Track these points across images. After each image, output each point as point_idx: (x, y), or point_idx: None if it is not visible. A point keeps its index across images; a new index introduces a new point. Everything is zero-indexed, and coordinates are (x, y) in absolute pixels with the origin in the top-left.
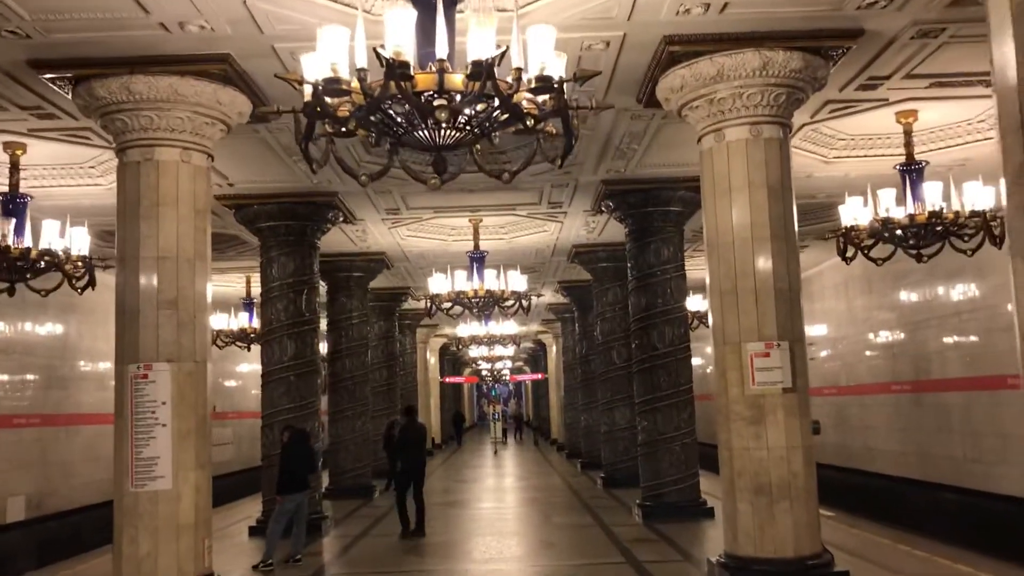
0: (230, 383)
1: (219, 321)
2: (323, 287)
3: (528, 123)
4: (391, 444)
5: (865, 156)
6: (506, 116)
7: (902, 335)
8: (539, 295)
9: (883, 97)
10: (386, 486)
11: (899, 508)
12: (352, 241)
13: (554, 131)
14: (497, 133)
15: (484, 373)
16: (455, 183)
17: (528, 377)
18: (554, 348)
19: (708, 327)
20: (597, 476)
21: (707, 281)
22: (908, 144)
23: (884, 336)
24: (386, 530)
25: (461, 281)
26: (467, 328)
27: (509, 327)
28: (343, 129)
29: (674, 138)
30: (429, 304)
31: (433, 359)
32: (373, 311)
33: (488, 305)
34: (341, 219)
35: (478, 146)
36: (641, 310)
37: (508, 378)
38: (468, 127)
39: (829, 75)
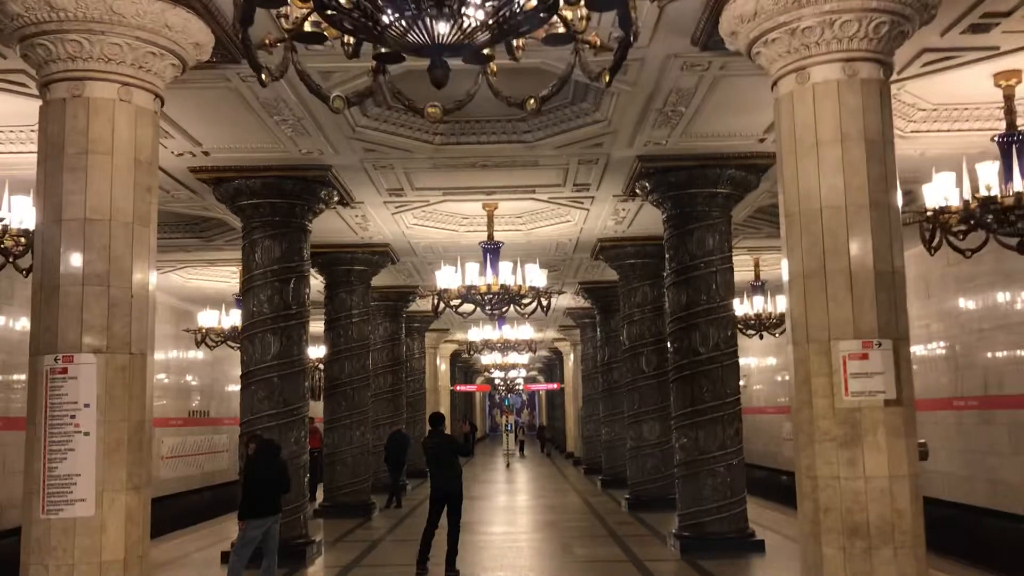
0: (227, 387)
1: (210, 318)
2: (320, 282)
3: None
4: (394, 456)
5: (949, 131)
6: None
7: (967, 345)
8: (560, 292)
9: (994, 45)
10: (387, 503)
11: (964, 539)
12: (352, 229)
13: (598, 41)
14: (521, 45)
15: (497, 382)
16: (466, 157)
17: (543, 387)
18: (571, 356)
19: (746, 333)
20: (621, 497)
21: (784, 263)
22: (1010, 111)
23: (944, 346)
24: (383, 559)
25: (473, 275)
26: (480, 332)
27: (525, 331)
28: (305, 27)
29: (731, 98)
30: (436, 301)
31: (444, 366)
32: (378, 311)
33: (503, 302)
34: (336, 199)
35: (493, 65)
36: (681, 308)
37: (522, 387)
38: (480, 23)
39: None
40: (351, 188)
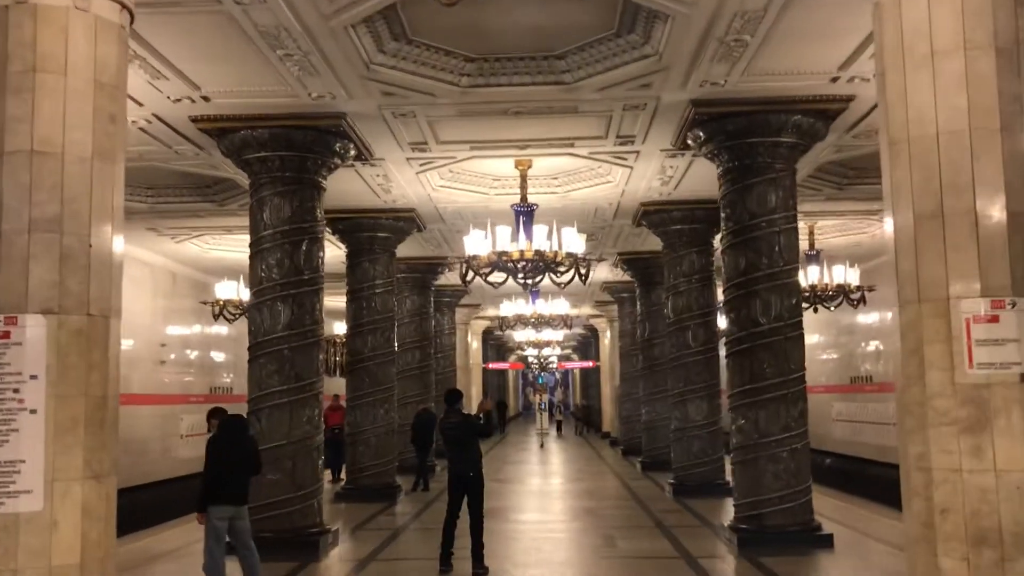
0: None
1: (227, 290)
2: (343, 251)
3: None
4: (421, 436)
5: None
6: None
7: None
8: (600, 259)
9: None
10: (413, 486)
11: None
12: (374, 192)
13: None
14: None
15: (530, 360)
16: (496, 102)
17: (577, 365)
18: (608, 333)
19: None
20: (664, 481)
21: (888, 202)
22: None
23: None
24: (405, 550)
25: (504, 240)
26: (512, 307)
27: (560, 305)
28: None
29: (807, 21)
30: (464, 269)
31: (476, 343)
32: (405, 284)
33: (537, 271)
34: (353, 153)
35: None
36: (738, 274)
37: (556, 366)
38: None
39: None
40: (369, 141)
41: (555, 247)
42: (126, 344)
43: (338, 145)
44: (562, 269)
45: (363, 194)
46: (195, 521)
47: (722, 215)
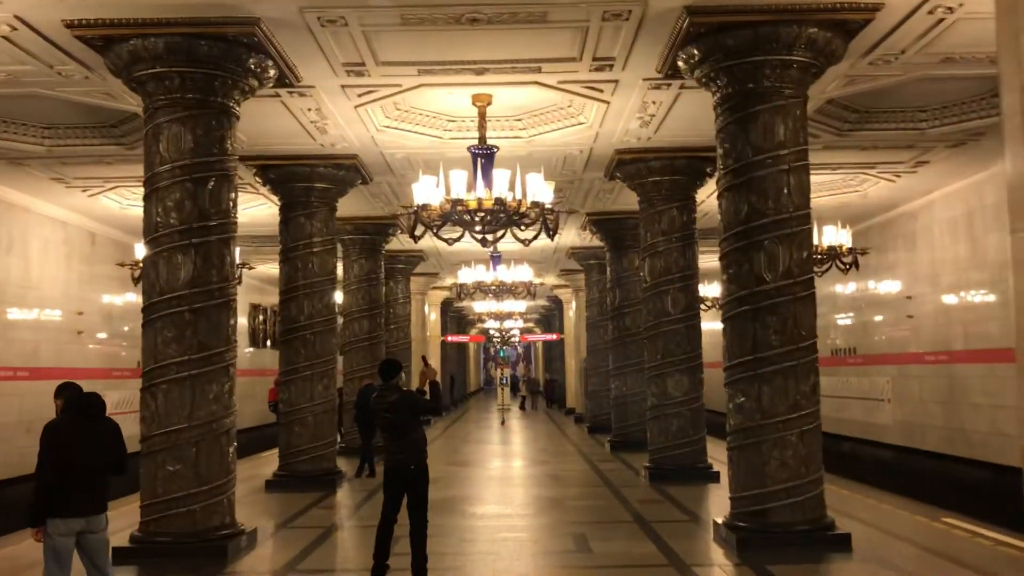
0: None
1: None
2: (274, 204)
3: None
4: (365, 415)
5: None
6: None
7: None
8: (570, 211)
9: None
10: (357, 471)
11: None
12: (308, 132)
13: None
14: None
15: (492, 333)
16: (446, 5)
17: (540, 337)
18: (573, 304)
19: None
20: (638, 463)
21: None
22: None
23: None
24: (334, 556)
25: (460, 187)
26: (471, 273)
27: (523, 272)
28: None
29: None
30: (412, 221)
31: (434, 315)
32: (352, 246)
33: (498, 223)
34: (273, 74)
35: None
36: (739, 221)
37: (519, 338)
38: None
39: None
40: (293, 59)
41: (518, 196)
42: (33, 313)
43: (252, 61)
44: (527, 222)
45: (295, 134)
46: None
47: (719, 151)
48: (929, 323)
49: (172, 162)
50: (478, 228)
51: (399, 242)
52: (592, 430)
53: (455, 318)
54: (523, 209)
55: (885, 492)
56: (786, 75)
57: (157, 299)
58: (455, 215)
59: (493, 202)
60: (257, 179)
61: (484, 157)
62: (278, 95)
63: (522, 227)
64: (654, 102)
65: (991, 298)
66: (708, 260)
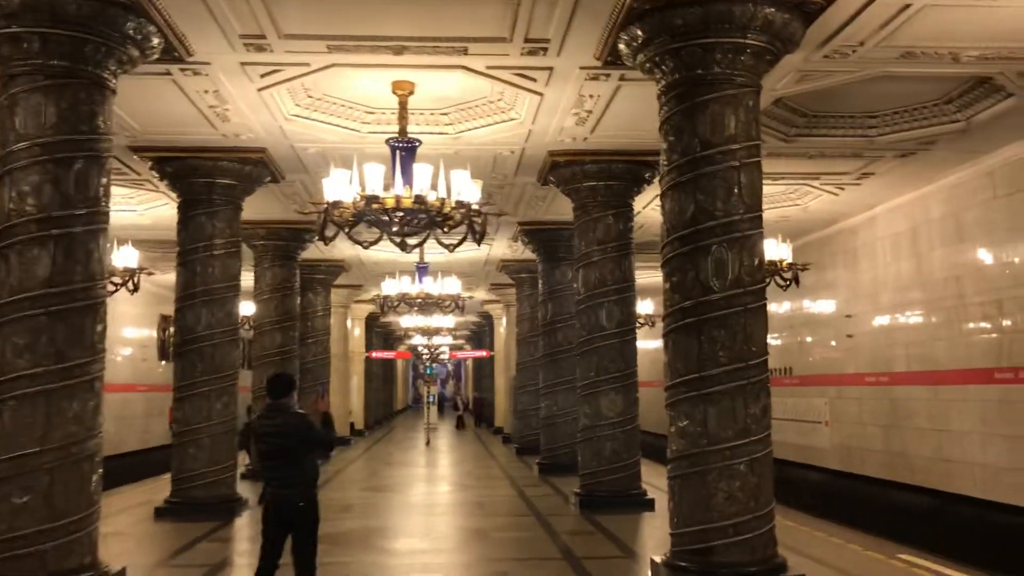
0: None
1: None
2: (172, 201)
3: None
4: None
5: None
6: None
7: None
8: (500, 214)
9: None
10: (260, 497)
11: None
12: (207, 120)
13: None
14: None
15: (420, 349)
16: None
17: (470, 354)
18: (504, 319)
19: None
20: (568, 489)
21: None
22: None
23: (983, 302)
24: None
25: (377, 182)
26: (396, 285)
27: (451, 284)
28: None
29: None
30: (322, 220)
31: (358, 330)
32: (265, 253)
33: (419, 225)
34: (158, 43)
35: None
36: (684, 223)
37: (448, 355)
38: None
39: None
40: (182, 27)
41: (442, 195)
42: None
43: (131, 26)
44: (451, 224)
45: (193, 122)
46: None
47: (663, 146)
48: (870, 343)
49: (31, 139)
50: (395, 229)
51: (318, 250)
52: (520, 451)
53: (381, 333)
54: (447, 209)
55: (830, 523)
56: (739, 61)
57: (7, 300)
58: (370, 214)
59: (413, 200)
60: (154, 173)
61: (405, 151)
62: (169, 73)
63: (445, 229)
64: (591, 96)
65: (936, 318)
66: (643, 275)
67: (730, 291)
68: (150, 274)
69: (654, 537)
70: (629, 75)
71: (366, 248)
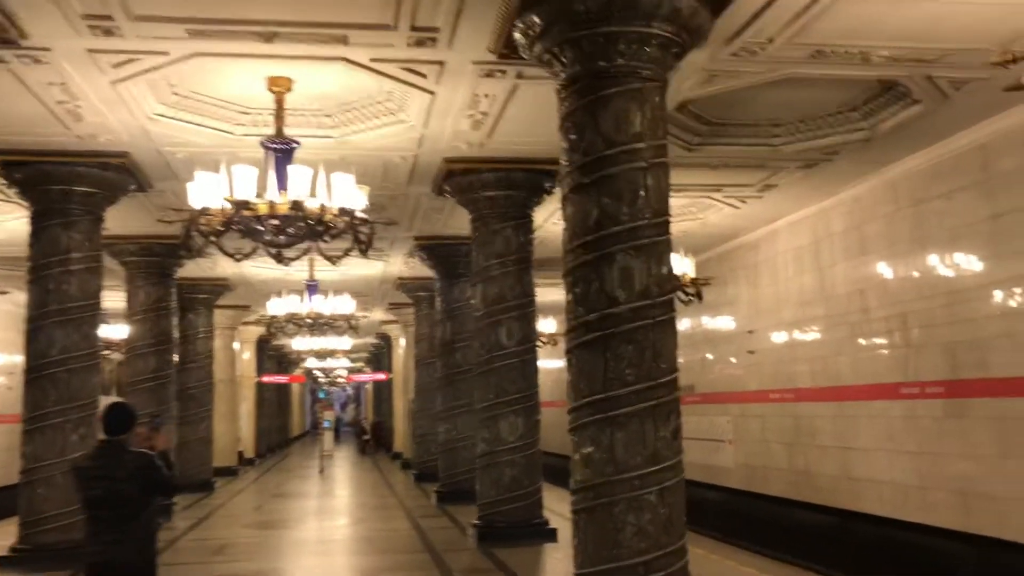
0: None
1: None
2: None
3: None
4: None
5: None
6: None
7: (931, 313)
8: (389, 223)
9: None
10: (79, 563)
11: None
12: (59, 121)
13: None
14: None
15: (316, 373)
16: None
17: (368, 377)
18: (403, 340)
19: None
20: (466, 520)
21: None
22: None
23: (887, 316)
24: None
25: (248, 187)
26: (283, 304)
27: (344, 304)
28: None
29: None
30: (186, 228)
31: (248, 353)
32: (138, 270)
33: (297, 236)
34: None
35: None
36: (586, 229)
37: (345, 379)
38: None
39: None
40: (8, 1)
41: (324, 201)
42: None
43: None
44: (333, 233)
45: (42, 120)
46: None
47: (563, 145)
48: (772, 359)
49: None
50: (269, 238)
51: (199, 268)
52: (419, 478)
53: (275, 357)
54: (328, 217)
55: (739, 549)
56: (644, 52)
57: None
58: (240, 222)
59: (289, 206)
60: (1, 180)
61: (281, 154)
62: (3, 60)
63: (327, 239)
64: (487, 95)
65: (840, 332)
66: (544, 293)
67: (638, 302)
68: (4, 292)
69: (559, 573)
70: (527, 72)
71: (239, 261)
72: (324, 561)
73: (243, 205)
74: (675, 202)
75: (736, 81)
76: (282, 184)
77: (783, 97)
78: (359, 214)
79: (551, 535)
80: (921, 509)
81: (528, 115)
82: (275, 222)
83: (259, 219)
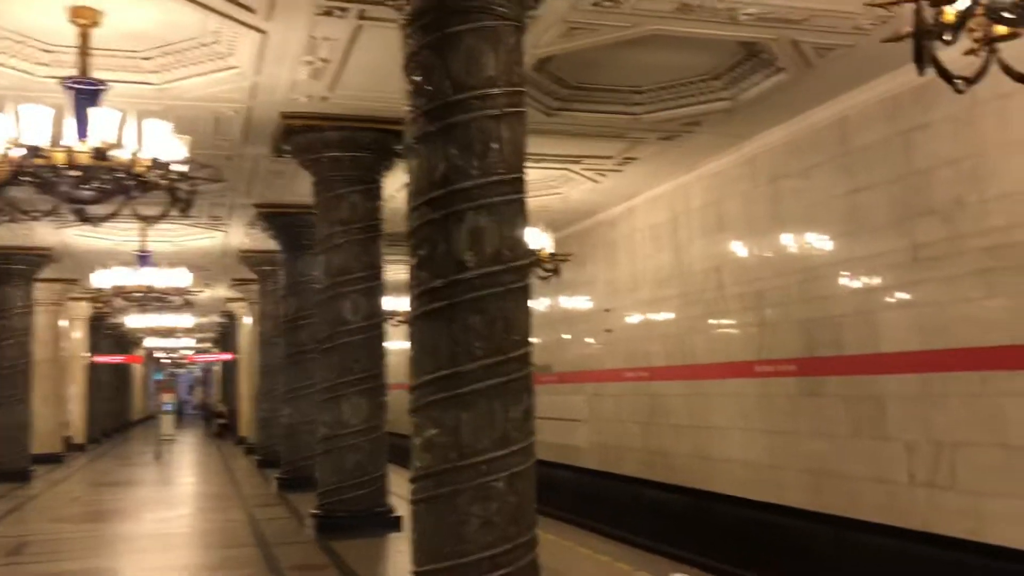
0: None
1: None
2: None
3: None
4: None
5: None
6: None
7: (787, 290)
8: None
9: None
10: None
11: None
12: None
13: None
14: None
15: (157, 353)
16: None
17: (212, 358)
18: (248, 318)
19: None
20: (307, 509)
21: None
22: None
23: (743, 293)
24: None
25: (41, 129)
26: (109, 276)
27: (179, 277)
28: None
29: None
30: None
31: (79, 332)
32: None
33: (105, 191)
34: None
35: None
36: (432, 184)
37: (187, 359)
38: None
39: None
40: None
41: (139, 152)
42: None
43: None
44: (147, 188)
45: None
46: None
47: (409, 89)
48: (629, 337)
49: None
50: (64, 189)
51: (13, 235)
52: (263, 464)
53: (113, 336)
54: (138, 169)
55: (593, 534)
56: None
57: None
58: (32, 171)
59: (92, 154)
60: None
61: (85, 95)
62: None
63: (138, 189)
64: (326, 39)
65: (696, 310)
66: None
67: (488, 267)
68: None
69: (399, 566)
70: (370, 12)
71: (36, 220)
72: (138, 559)
73: (34, 151)
74: (534, 175)
75: (598, 36)
76: (84, 131)
77: (646, 60)
78: (176, 167)
79: (396, 524)
80: (774, 489)
81: (375, 65)
82: (75, 173)
83: (55, 169)
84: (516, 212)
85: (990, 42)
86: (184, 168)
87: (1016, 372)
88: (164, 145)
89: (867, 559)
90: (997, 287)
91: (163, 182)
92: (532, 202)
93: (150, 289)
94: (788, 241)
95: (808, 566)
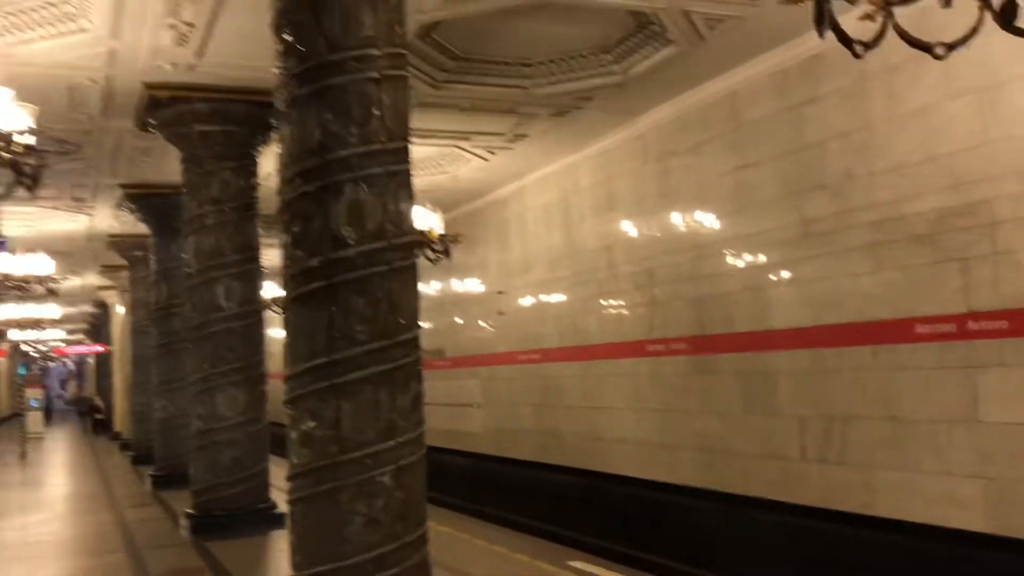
0: None
1: None
2: None
3: None
4: None
5: None
6: None
7: (677, 268)
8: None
9: None
10: None
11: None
12: None
13: None
14: None
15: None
16: None
17: (82, 349)
18: (120, 307)
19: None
20: (181, 508)
21: None
22: None
23: (634, 272)
24: None
25: None
26: None
27: (39, 264)
28: None
29: None
30: None
31: None
32: None
33: None
34: None
35: None
36: (309, 151)
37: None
38: None
39: None
40: None
41: None
42: None
43: None
44: None
45: None
46: None
47: (279, 48)
48: (521, 319)
49: None
50: None
51: None
52: (137, 461)
53: None
54: None
55: (487, 523)
56: None
57: None
58: None
59: None
60: None
61: None
62: None
63: None
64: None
65: (587, 291)
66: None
67: (371, 244)
68: None
69: (279, 567)
70: None
71: None
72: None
73: None
74: (423, 152)
75: (485, 2)
76: None
77: (536, 31)
78: (19, 139)
79: (279, 520)
80: (667, 467)
81: (246, 31)
82: None
83: None
84: (400, 184)
85: (887, 6)
86: (30, 141)
87: (904, 345)
88: (4, 114)
89: (761, 536)
90: (885, 261)
91: (5, 155)
92: (420, 182)
93: (6, 277)
94: (678, 219)
95: (702, 544)
